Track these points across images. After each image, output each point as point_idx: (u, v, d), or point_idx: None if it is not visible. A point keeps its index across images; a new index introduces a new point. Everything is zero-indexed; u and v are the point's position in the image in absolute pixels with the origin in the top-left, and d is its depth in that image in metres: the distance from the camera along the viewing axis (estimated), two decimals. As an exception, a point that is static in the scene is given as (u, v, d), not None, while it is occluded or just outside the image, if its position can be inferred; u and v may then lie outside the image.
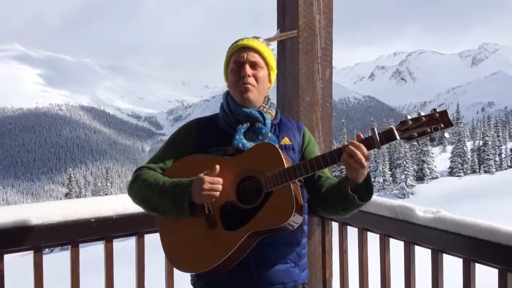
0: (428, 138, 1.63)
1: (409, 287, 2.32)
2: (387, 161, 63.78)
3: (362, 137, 1.68)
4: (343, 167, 1.69)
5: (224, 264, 1.73)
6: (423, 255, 2.35)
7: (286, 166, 1.72)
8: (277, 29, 2.83)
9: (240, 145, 1.82)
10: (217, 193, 1.71)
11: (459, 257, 2.05)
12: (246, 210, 1.73)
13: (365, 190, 1.74)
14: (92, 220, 2.27)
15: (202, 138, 1.92)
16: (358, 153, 1.63)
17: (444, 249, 2.13)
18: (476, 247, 1.96)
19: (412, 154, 57.75)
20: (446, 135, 1.63)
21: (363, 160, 1.63)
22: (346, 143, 1.67)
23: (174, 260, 1.85)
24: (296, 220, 1.72)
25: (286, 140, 1.94)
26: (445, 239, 2.09)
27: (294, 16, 2.73)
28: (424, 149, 60.15)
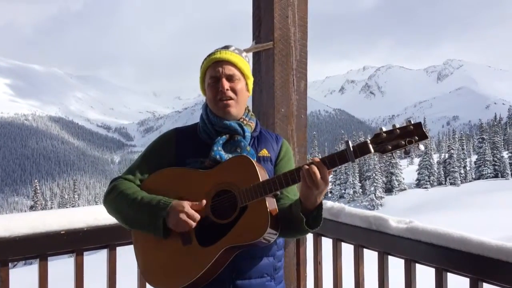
0: (403, 150, 1.56)
1: (383, 297, 2.33)
2: (357, 173, 64.81)
3: (318, 160, 1.63)
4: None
5: (200, 280, 1.70)
6: (396, 265, 2.38)
7: (261, 180, 1.69)
8: (253, 41, 2.84)
9: (218, 156, 1.80)
10: (193, 225, 1.68)
11: (431, 266, 2.09)
12: (221, 225, 1.70)
13: (314, 219, 1.71)
14: (62, 232, 2.20)
15: (181, 148, 1.90)
16: (316, 172, 1.59)
17: (417, 259, 2.16)
18: (448, 256, 2.00)
19: (381, 166, 58.92)
20: (421, 147, 1.56)
21: (319, 179, 1.59)
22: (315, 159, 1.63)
23: (149, 276, 1.81)
24: (271, 235, 1.70)
25: (264, 152, 1.92)
26: (417, 249, 2.13)
27: (269, 28, 2.75)
28: (392, 161, 61.48)
